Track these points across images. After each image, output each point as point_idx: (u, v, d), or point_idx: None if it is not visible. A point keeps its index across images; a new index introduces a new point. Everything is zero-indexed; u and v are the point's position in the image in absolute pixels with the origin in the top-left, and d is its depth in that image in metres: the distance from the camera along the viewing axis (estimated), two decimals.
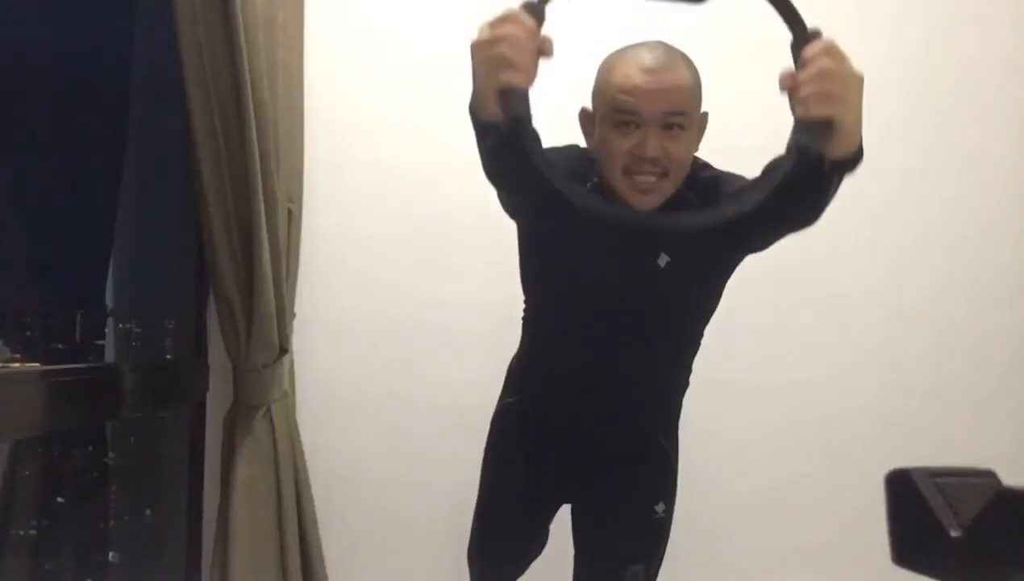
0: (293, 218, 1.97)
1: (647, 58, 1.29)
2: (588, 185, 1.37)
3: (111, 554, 2.22)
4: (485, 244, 2.05)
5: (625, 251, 1.37)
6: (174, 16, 1.68)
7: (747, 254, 1.44)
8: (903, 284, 2.23)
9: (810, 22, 1.01)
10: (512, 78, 0.96)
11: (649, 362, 1.50)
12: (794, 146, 0.98)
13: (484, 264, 2.10)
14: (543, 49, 0.98)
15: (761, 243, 1.39)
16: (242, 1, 1.69)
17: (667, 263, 1.38)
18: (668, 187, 1.31)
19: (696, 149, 1.37)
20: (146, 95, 2.22)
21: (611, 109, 1.29)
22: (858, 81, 1.00)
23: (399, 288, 2.14)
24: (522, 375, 1.62)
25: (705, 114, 1.35)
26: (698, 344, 1.53)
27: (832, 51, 0.97)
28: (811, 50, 0.97)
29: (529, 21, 0.95)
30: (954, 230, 2.25)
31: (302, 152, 2.05)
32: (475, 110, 1.10)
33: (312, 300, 2.08)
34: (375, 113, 2.16)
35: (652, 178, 1.28)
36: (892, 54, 2.23)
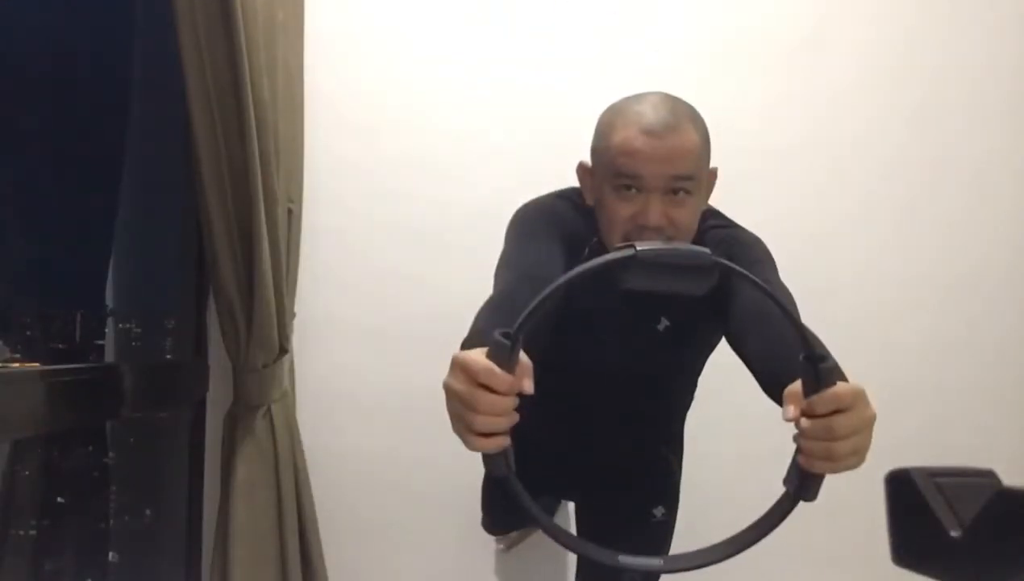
0: (293, 218, 1.97)
1: (649, 116, 1.16)
2: (587, 250, 1.29)
3: (111, 554, 2.22)
4: (486, 244, 2.05)
5: (625, 321, 1.32)
6: (174, 16, 1.68)
7: None
8: (903, 284, 2.23)
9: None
10: (486, 446, 0.86)
11: (648, 411, 1.51)
12: (791, 493, 0.90)
13: (484, 264, 2.09)
14: (522, 390, 0.85)
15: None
16: (242, 0, 1.69)
17: (666, 327, 1.33)
18: None
19: (705, 203, 1.28)
20: (146, 95, 2.22)
21: (611, 173, 1.18)
22: (869, 425, 0.88)
23: (399, 288, 2.14)
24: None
25: (714, 170, 1.25)
26: (695, 385, 1.53)
27: (845, 404, 0.84)
28: (822, 403, 0.85)
29: (504, 378, 0.82)
30: (955, 230, 2.25)
31: (302, 152, 2.05)
32: None
33: (312, 300, 2.08)
34: (375, 113, 2.16)
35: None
36: (898, 57, 2.23)
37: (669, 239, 1.16)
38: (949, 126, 2.26)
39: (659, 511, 1.53)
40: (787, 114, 2.20)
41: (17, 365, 1.67)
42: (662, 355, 1.36)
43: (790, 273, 2.16)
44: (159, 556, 2.28)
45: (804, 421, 0.85)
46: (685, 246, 0.81)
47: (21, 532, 2.03)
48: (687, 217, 1.19)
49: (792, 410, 0.87)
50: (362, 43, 2.17)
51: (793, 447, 0.89)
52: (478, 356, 0.84)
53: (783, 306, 0.82)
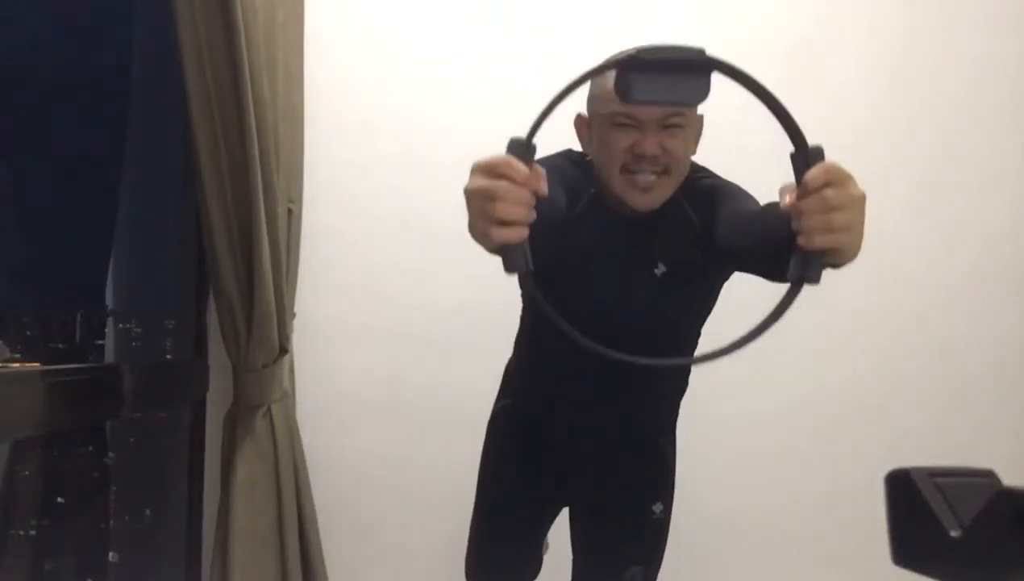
0: (293, 218, 1.97)
1: None
2: (585, 197, 1.37)
3: (111, 554, 2.22)
4: None
5: (622, 262, 1.38)
6: (174, 16, 1.68)
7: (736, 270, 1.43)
8: (904, 285, 2.23)
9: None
10: (506, 236, 0.91)
11: (647, 368, 1.49)
12: (796, 278, 0.94)
13: (484, 264, 2.09)
14: (537, 190, 0.91)
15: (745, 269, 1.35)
16: (242, 0, 1.69)
17: (663, 273, 1.38)
18: (667, 186, 1.31)
19: (694, 151, 1.37)
20: (146, 95, 2.22)
21: (609, 111, 1.29)
22: (861, 203, 0.95)
23: (399, 288, 2.14)
24: (518, 377, 1.62)
25: (701, 117, 1.36)
26: (695, 346, 1.52)
27: (835, 178, 0.92)
28: (813, 177, 0.92)
29: (521, 168, 0.89)
30: (956, 231, 2.25)
31: (302, 152, 2.05)
32: None
33: (312, 300, 2.08)
34: (375, 113, 2.16)
35: (652, 177, 1.29)
36: (897, 57, 2.23)
37: (664, 170, 1.28)
38: (948, 126, 2.26)
39: (658, 507, 1.53)
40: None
41: (17, 365, 1.67)
42: (660, 303, 1.40)
43: None
44: (159, 556, 2.28)
45: (800, 205, 0.92)
46: (681, 45, 0.87)
47: (21, 532, 2.03)
48: (679, 148, 1.29)
49: (788, 197, 0.94)
50: (362, 43, 2.17)
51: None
52: (496, 154, 0.91)
53: (770, 97, 0.89)
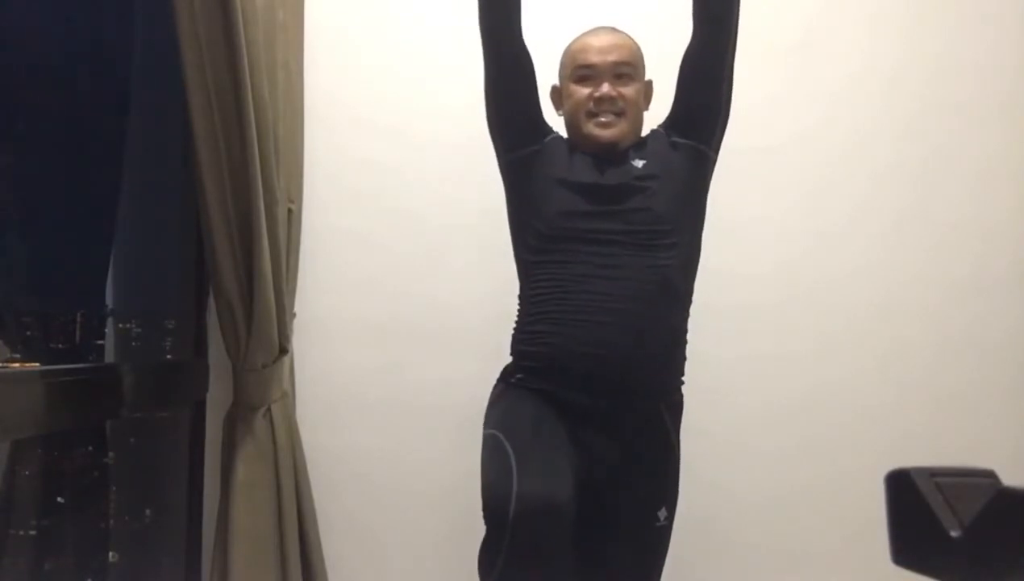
0: (293, 218, 1.97)
1: (599, 30, 1.68)
2: (548, 136, 1.68)
3: (111, 554, 2.22)
4: (485, 244, 2.06)
5: (604, 162, 1.60)
6: (174, 15, 1.68)
7: (707, 132, 1.64)
8: (903, 284, 2.23)
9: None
10: None
11: (647, 280, 1.52)
12: None
13: (484, 264, 2.10)
14: None
15: (700, 94, 1.64)
16: (242, 0, 1.69)
17: (643, 164, 1.60)
18: (626, 126, 1.62)
19: (646, 107, 1.69)
20: (146, 95, 2.22)
21: (572, 69, 1.64)
22: None
23: (399, 288, 2.14)
24: (526, 347, 1.59)
25: (650, 81, 1.69)
26: (693, 272, 1.63)
27: None
28: None
29: None
30: (956, 232, 2.25)
31: (302, 152, 2.05)
32: None
33: (312, 300, 2.08)
34: (375, 113, 2.16)
35: (611, 116, 1.60)
36: (896, 56, 2.23)
37: (620, 112, 1.61)
38: (947, 126, 2.26)
39: (662, 514, 1.52)
40: (785, 114, 2.20)
41: (17, 365, 1.67)
42: (645, 196, 1.58)
43: (789, 273, 2.18)
44: (159, 556, 2.28)
45: None
46: None
47: (21, 532, 2.03)
48: (633, 94, 1.63)
49: None
50: (362, 43, 2.17)
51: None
52: None
53: None
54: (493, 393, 1.63)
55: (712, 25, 1.61)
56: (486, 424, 1.58)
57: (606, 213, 1.56)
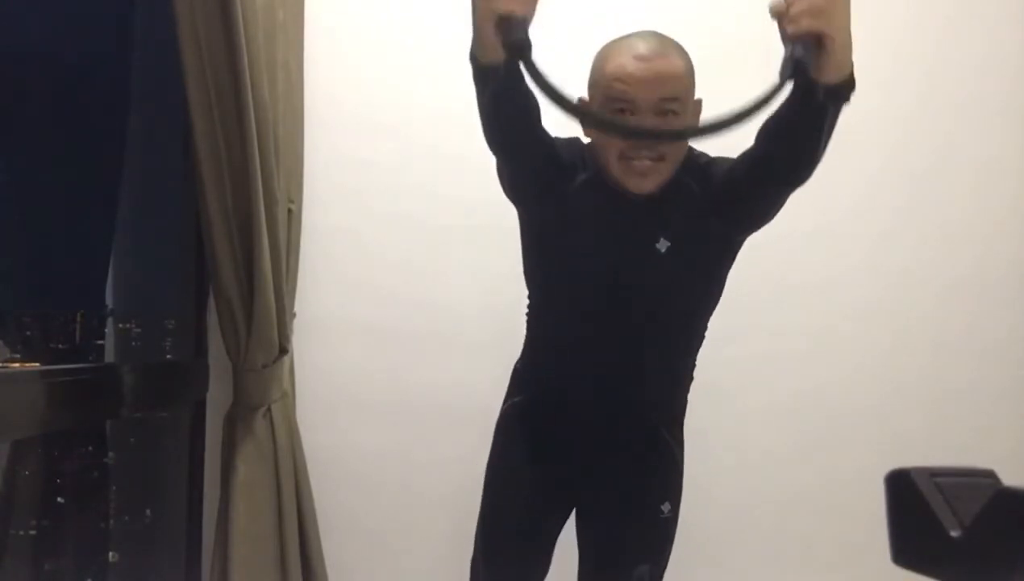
0: (293, 218, 1.97)
1: (640, 46, 1.32)
2: (584, 176, 1.40)
3: (111, 554, 2.22)
4: (485, 244, 2.06)
5: (625, 236, 1.39)
6: (174, 15, 1.68)
7: (745, 229, 1.44)
8: (903, 284, 2.23)
9: None
10: (511, 6, 0.98)
11: (654, 352, 1.49)
12: (789, 60, 1.01)
13: (484, 264, 2.10)
14: None
15: (755, 206, 1.39)
16: (242, 0, 1.69)
17: (667, 248, 1.39)
18: (665, 170, 1.34)
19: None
20: (146, 95, 2.22)
21: (606, 98, 1.31)
22: (846, 1, 1.03)
23: (399, 288, 2.14)
24: (528, 373, 1.60)
25: (699, 101, 1.38)
26: (702, 335, 1.53)
27: None
28: None
29: None
30: (956, 232, 2.25)
31: (302, 152, 2.05)
32: (475, 55, 1.12)
33: (312, 300, 2.08)
34: (375, 113, 2.16)
35: (648, 162, 1.32)
36: (902, 57, 2.23)
37: (660, 156, 1.32)
38: (948, 125, 2.26)
39: (666, 507, 1.52)
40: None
41: (17, 365, 1.67)
42: (663, 280, 1.41)
43: (789, 272, 2.17)
44: (159, 556, 2.28)
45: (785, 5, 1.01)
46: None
47: (21, 532, 2.03)
48: None
49: (779, 2, 1.03)
50: (362, 43, 2.17)
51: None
52: None
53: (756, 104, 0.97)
54: (500, 414, 1.62)
55: (804, 157, 1.35)
56: (489, 461, 1.61)
57: (615, 314, 1.44)
